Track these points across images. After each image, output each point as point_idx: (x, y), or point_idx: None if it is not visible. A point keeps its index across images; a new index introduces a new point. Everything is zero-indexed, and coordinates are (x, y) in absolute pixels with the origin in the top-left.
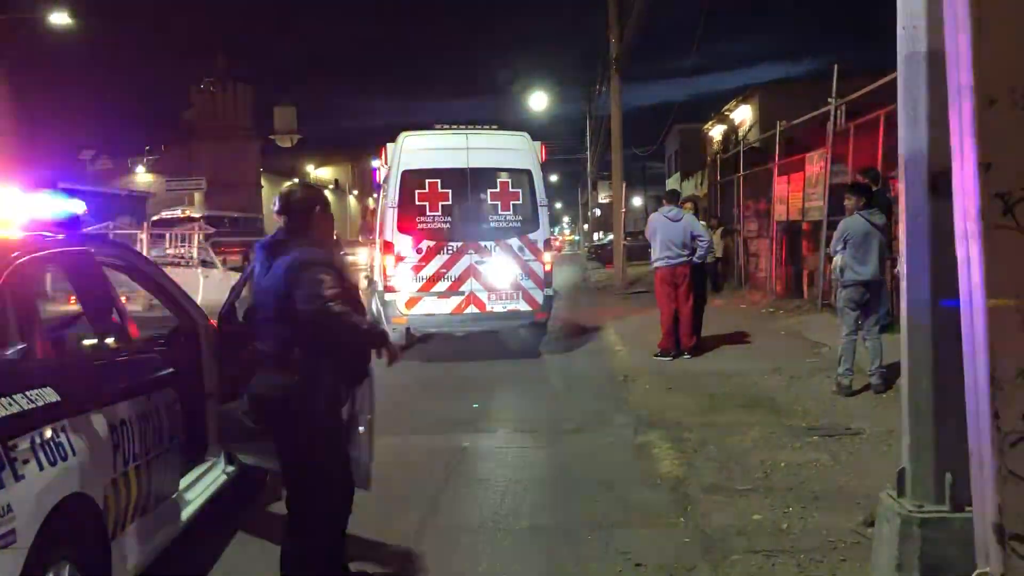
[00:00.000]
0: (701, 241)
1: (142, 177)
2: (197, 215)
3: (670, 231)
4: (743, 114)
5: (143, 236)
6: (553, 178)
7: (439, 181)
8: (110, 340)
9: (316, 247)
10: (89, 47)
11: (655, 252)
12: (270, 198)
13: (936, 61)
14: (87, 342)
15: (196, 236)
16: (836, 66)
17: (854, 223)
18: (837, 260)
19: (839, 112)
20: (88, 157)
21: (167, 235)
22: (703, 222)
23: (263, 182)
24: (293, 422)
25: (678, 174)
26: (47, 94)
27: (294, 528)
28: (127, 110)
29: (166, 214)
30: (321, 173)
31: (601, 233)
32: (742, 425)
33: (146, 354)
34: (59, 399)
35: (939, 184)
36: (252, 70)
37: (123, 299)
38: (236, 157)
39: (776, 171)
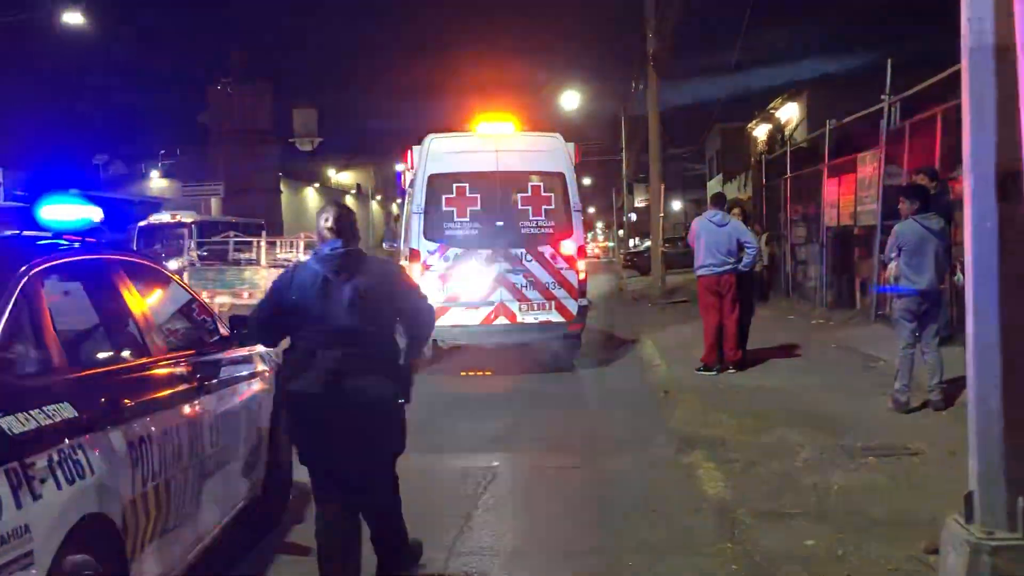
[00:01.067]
0: (749, 248)
1: (156, 182)
2: (188, 220)
3: (715, 237)
4: (790, 112)
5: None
6: (586, 181)
7: (467, 185)
8: (128, 352)
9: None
10: (102, 47)
11: (699, 259)
12: (289, 204)
13: (1005, 56)
14: (106, 354)
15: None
16: (890, 60)
17: (909, 228)
18: (891, 268)
19: (893, 109)
20: (101, 162)
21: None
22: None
23: (282, 187)
24: (392, 420)
25: (719, 176)
26: (59, 96)
27: (384, 528)
28: (141, 112)
29: (154, 219)
30: (342, 177)
31: (637, 239)
32: (792, 445)
33: (170, 367)
34: (77, 415)
35: (1008, 187)
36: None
37: (204, 297)
38: (254, 161)
39: (826, 173)
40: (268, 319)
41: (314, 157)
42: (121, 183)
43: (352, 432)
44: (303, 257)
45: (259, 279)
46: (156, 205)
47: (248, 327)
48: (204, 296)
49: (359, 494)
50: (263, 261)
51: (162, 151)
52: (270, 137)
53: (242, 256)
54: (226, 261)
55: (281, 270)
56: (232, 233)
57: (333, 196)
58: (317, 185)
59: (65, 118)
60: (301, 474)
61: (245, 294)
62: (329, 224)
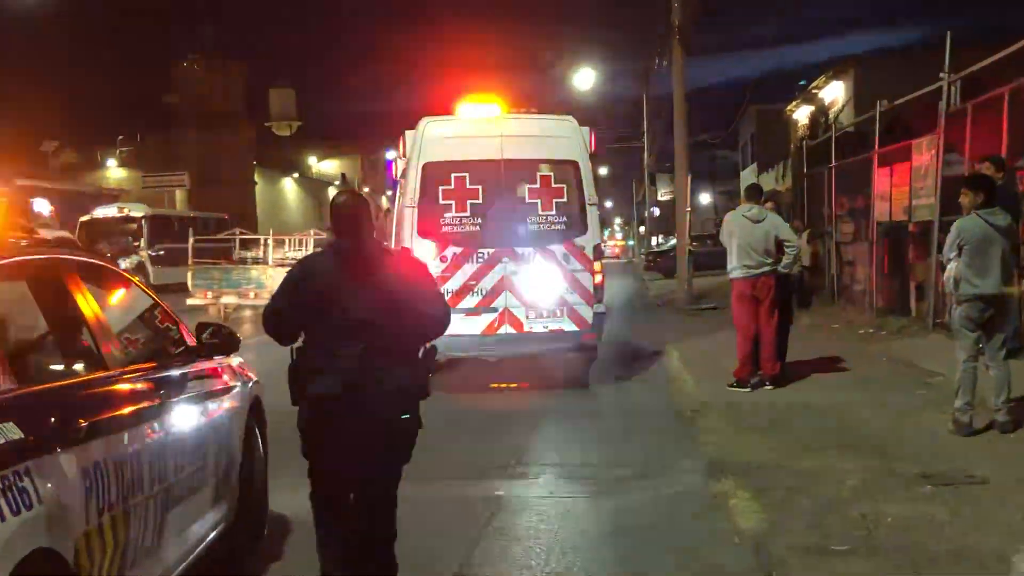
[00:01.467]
0: (789, 247)
1: (114, 172)
2: (138, 214)
3: (750, 234)
4: (834, 92)
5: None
6: (603, 171)
7: (467, 175)
8: (82, 365)
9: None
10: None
11: (732, 260)
12: (265, 196)
13: None
14: (56, 368)
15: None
16: (949, 33)
17: (971, 225)
18: (951, 270)
19: (953, 89)
20: (50, 149)
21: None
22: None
23: (257, 177)
24: (415, 411)
25: (754, 165)
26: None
27: (385, 528)
28: (97, 92)
29: (99, 212)
30: (325, 167)
31: (661, 237)
32: (838, 471)
33: (129, 382)
34: (22, 436)
35: None
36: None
37: (209, 296)
38: (225, 148)
39: (876, 161)
40: (286, 314)
41: (293, 143)
42: (74, 172)
43: (370, 437)
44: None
45: (266, 279)
46: (113, 198)
47: (264, 323)
48: (209, 296)
49: (366, 505)
50: (270, 260)
51: (120, 137)
52: (243, 121)
53: (248, 255)
54: (230, 260)
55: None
56: (239, 230)
57: (315, 187)
58: (296, 175)
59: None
60: (278, 503)
61: (251, 294)
62: (343, 214)
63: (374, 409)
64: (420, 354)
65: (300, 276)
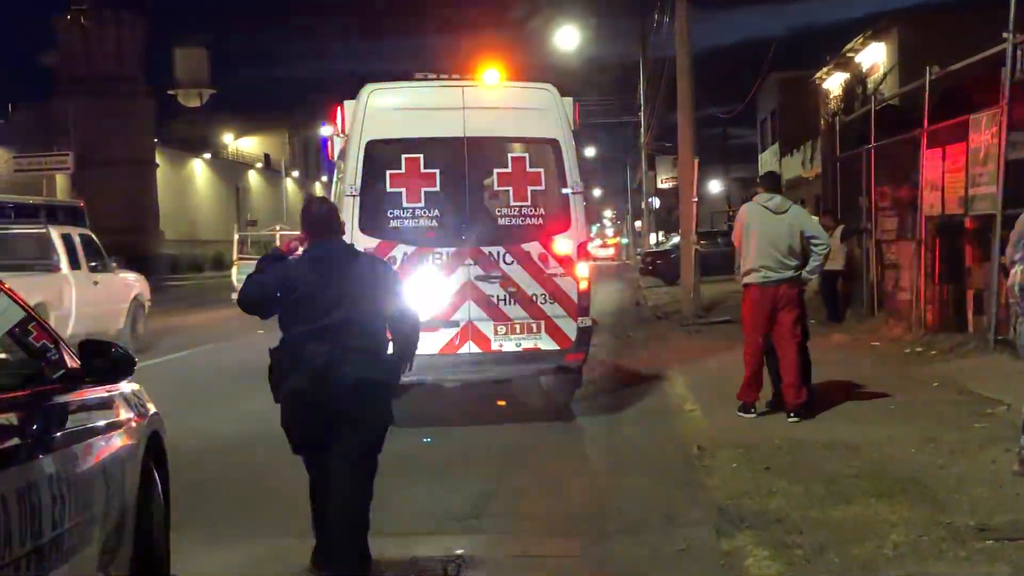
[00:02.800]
0: (817, 245)
1: None
2: None
3: (772, 229)
4: (874, 57)
5: None
6: (589, 152)
7: (422, 157)
8: None
9: None
10: None
11: (748, 261)
12: (170, 181)
13: None
14: None
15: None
16: None
17: None
18: (1015, 275)
19: (1020, 52)
20: None
21: None
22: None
23: (159, 158)
24: (383, 404)
25: (775, 146)
26: None
27: (351, 508)
28: None
29: None
30: (244, 145)
31: (661, 234)
32: (878, 523)
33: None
34: None
35: None
36: None
37: None
38: (119, 122)
39: (924, 141)
40: (266, 299)
41: (204, 117)
42: None
43: (342, 416)
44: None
45: None
46: None
47: (241, 300)
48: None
49: (347, 470)
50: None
51: None
52: (141, 88)
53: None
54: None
55: None
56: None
57: (231, 170)
58: (208, 156)
59: None
60: (184, 565)
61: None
62: (311, 223)
63: (340, 404)
64: (389, 351)
65: (277, 280)
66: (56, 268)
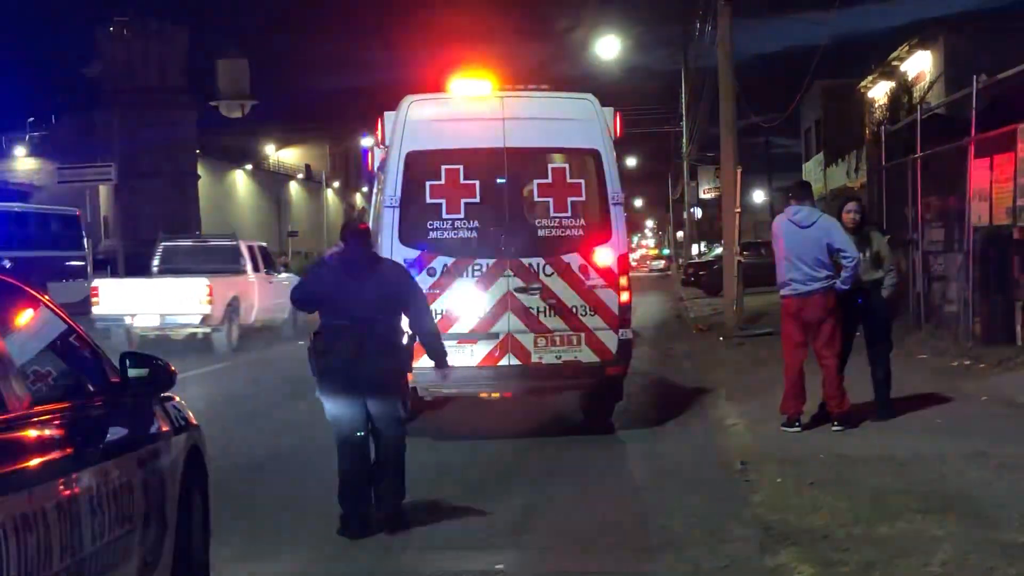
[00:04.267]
0: (844, 257)
1: (22, 163)
2: None
3: (798, 242)
4: (920, 64)
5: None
6: (630, 162)
7: (461, 168)
8: None
9: None
10: None
11: (780, 274)
12: (211, 193)
13: None
14: None
15: None
16: None
17: None
18: None
19: None
20: None
21: None
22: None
23: (200, 169)
24: (398, 385)
25: (820, 155)
26: None
27: (389, 466)
28: (2, 66)
29: None
30: (285, 156)
31: (704, 244)
32: (925, 539)
33: (35, 428)
34: None
35: None
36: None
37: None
38: (162, 132)
39: (972, 150)
40: (309, 303)
41: (246, 128)
42: None
43: (367, 393)
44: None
45: None
46: (22, 194)
47: (292, 299)
48: None
49: (381, 429)
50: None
51: (31, 119)
52: (184, 99)
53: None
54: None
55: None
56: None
57: (272, 182)
58: (250, 167)
59: None
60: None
61: None
62: (352, 230)
63: (365, 386)
64: (404, 341)
65: (315, 279)
66: (244, 271)
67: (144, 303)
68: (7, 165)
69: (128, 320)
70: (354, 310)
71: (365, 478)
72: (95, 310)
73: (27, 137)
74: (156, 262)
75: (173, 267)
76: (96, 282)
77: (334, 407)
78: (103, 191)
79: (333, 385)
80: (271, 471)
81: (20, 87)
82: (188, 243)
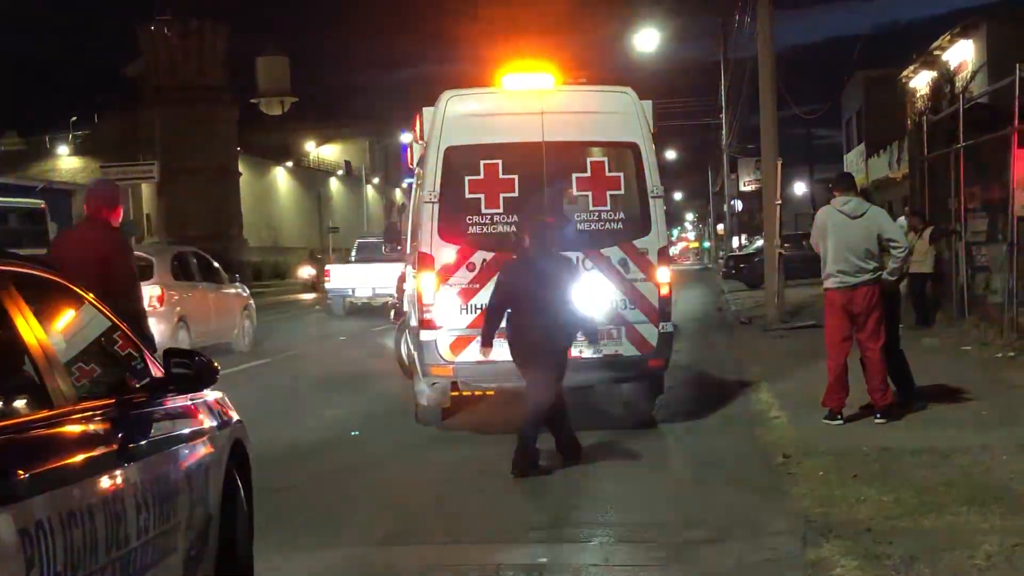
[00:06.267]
0: (895, 248)
1: (66, 161)
2: None
3: (847, 233)
4: (962, 54)
5: None
6: (670, 155)
7: (500, 162)
8: (20, 403)
9: None
10: None
11: (825, 265)
12: (252, 189)
13: None
14: None
15: None
16: None
17: None
18: None
19: None
20: None
21: None
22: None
23: (241, 167)
24: (565, 354)
25: (861, 146)
26: None
27: (561, 417)
28: (45, 65)
29: None
30: (325, 152)
31: (744, 237)
32: (970, 533)
33: (81, 423)
34: None
35: None
36: (226, 4)
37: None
38: (203, 130)
39: (1015, 140)
40: (500, 306)
41: (286, 125)
42: (17, 163)
43: (546, 360)
44: None
45: None
46: (65, 193)
47: (487, 313)
48: None
49: (558, 382)
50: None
51: (74, 118)
52: (225, 96)
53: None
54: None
55: None
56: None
57: (312, 178)
58: (290, 164)
59: None
60: (266, 570)
61: None
62: (532, 232)
63: (544, 356)
64: (571, 324)
65: (505, 279)
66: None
67: (361, 281)
68: (51, 164)
69: (350, 293)
70: (532, 298)
71: (549, 426)
72: (327, 286)
73: (70, 136)
74: (354, 253)
75: (365, 256)
76: (328, 266)
77: (522, 367)
78: (145, 189)
79: (521, 355)
80: (316, 467)
81: (63, 87)
82: (373, 240)
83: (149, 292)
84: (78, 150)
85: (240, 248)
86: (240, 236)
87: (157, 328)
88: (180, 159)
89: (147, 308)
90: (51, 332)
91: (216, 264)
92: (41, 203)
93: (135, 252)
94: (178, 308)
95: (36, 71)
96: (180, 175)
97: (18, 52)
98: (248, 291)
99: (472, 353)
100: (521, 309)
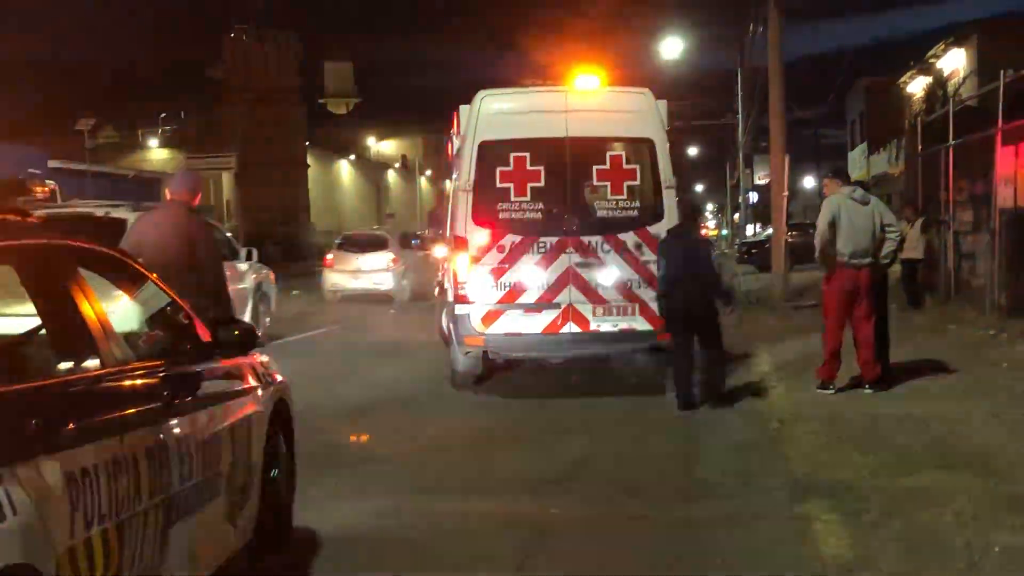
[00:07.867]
0: (891, 232)
1: (156, 153)
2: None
3: (860, 219)
4: (954, 62)
5: None
6: (692, 151)
7: (528, 155)
8: (74, 362)
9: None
10: None
11: (840, 247)
12: (318, 179)
13: None
14: (41, 363)
15: None
16: None
17: None
18: None
19: None
20: (87, 128)
21: None
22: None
23: (310, 159)
24: (714, 315)
25: (864, 145)
26: (32, 44)
27: (718, 349)
28: (138, 65)
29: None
30: (384, 147)
31: (758, 226)
32: (942, 492)
33: (130, 379)
34: None
35: None
36: (299, 14)
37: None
38: (276, 127)
39: (999, 139)
40: (664, 265)
41: (349, 123)
42: (112, 155)
43: (699, 310)
44: None
45: None
46: (154, 182)
47: (661, 286)
48: None
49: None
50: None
51: (162, 115)
52: (295, 97)
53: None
54: None
55: None
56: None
57: (372, 170)
58: (353, 157)
59: (39, 72)
60: (306, 519)
61: None
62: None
63: (695, 317)
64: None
65: (662, 252)
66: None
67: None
68: (143, 156)
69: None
70: (681, 270)
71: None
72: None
73: (159, 130)
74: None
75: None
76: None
77: (672, 328)
78: (226, 178)
79: (674, 318)
80: (359, 424)
81: (155, 86)
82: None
83: None
84: (166, 143)
85: (309, 231)
86: (308, 221)
87: None
88: (256, 152)
89: None
90: (107, 301)
91: (228, 235)
92: (52, 183)
93: None
94: None
95: (130, 73)
96: (256, 166)
97: (115, 57)
98: (268, 268)
99: (501, 326)
100: (668, 277)
